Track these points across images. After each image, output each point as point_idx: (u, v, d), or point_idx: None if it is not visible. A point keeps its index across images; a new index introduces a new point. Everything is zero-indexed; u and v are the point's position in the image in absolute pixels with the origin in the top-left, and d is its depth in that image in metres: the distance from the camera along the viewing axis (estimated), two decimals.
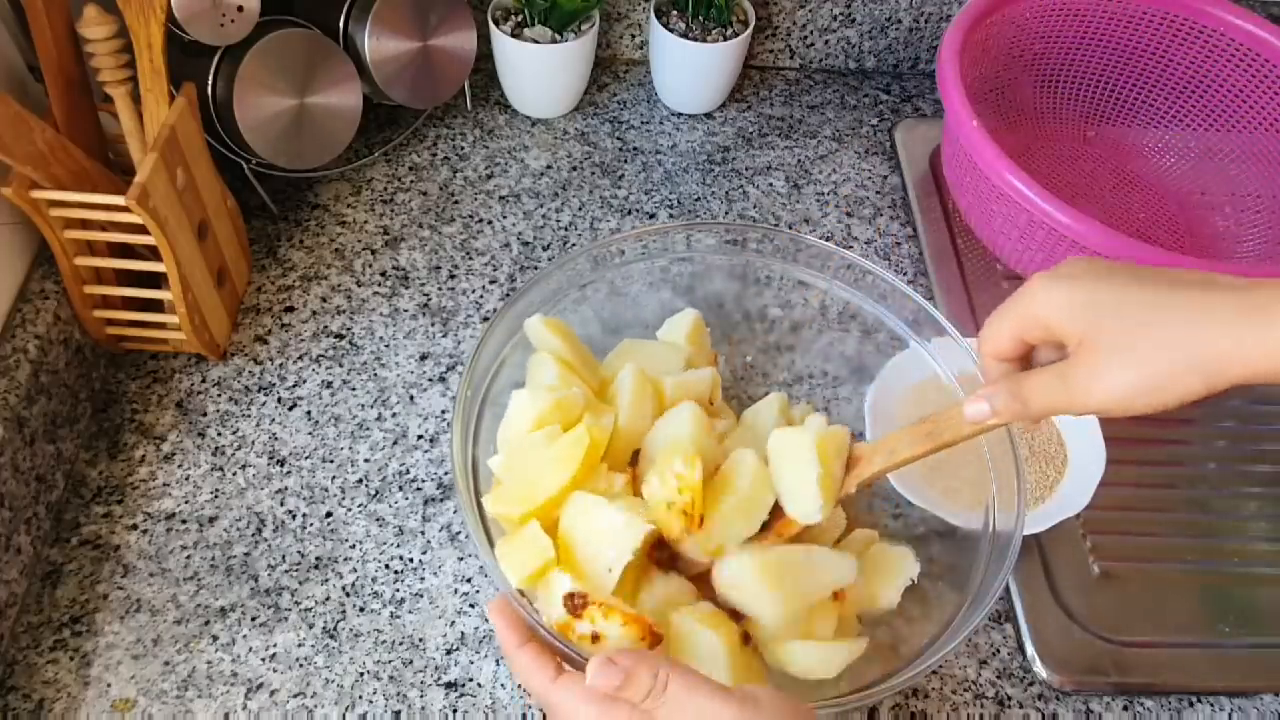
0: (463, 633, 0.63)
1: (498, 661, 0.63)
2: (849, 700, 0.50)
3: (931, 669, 0.52)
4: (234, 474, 0.70)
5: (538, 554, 0.51)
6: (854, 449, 0.57)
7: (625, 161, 0.93)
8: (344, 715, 0.60)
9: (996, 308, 0.47)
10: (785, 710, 0.40)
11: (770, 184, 0.92)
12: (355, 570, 0.66)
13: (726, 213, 0.89)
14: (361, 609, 0.64)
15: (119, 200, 0.62)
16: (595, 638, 0.49)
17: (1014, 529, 0.54)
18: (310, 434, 0.72)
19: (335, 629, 0.63)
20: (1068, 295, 0.44)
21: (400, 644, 0.63)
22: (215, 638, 0.62)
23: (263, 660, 0.62)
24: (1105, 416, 0.44)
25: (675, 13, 0.94)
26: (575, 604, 0.50)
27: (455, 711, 0.61)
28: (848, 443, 0.57)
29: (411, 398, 0.74)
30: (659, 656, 0.43)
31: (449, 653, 0.63)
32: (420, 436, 0.72)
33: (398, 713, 0.60)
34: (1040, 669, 0.64)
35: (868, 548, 0.60)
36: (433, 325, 0.79)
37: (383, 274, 0.82)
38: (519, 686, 0.61)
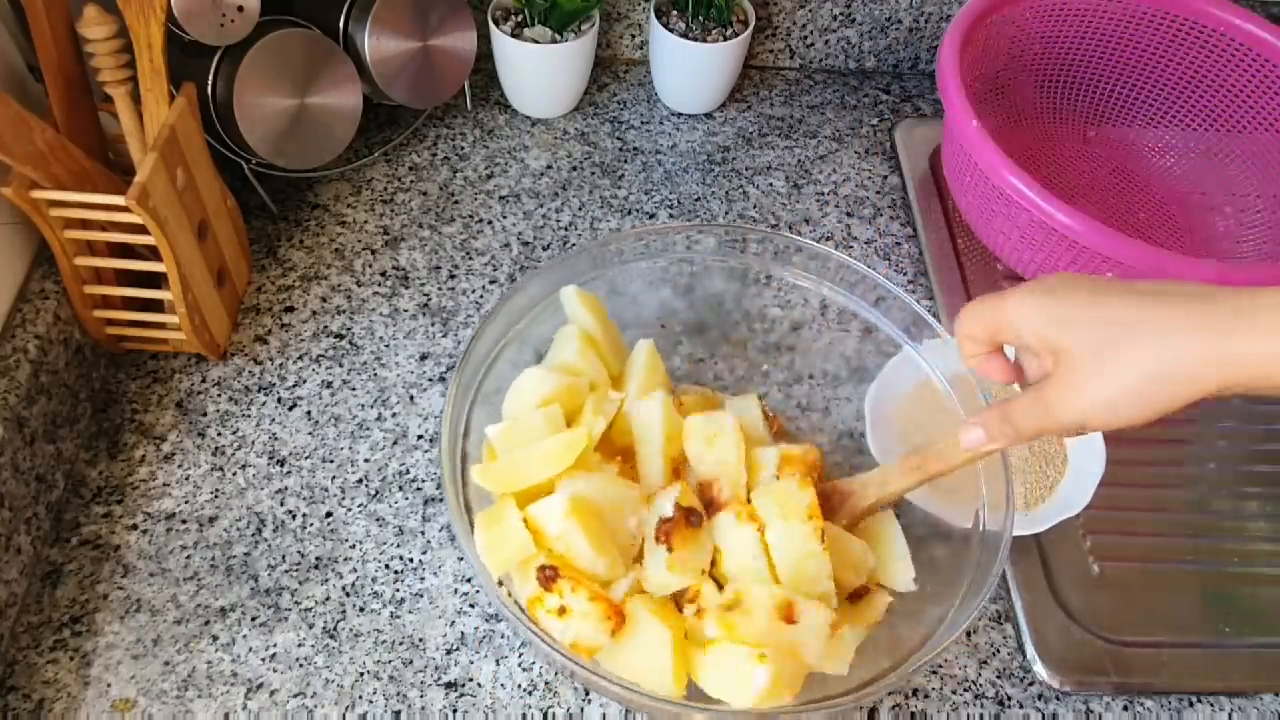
0: (463, 633, 0.64)
1: (498, 661, 0.63)
2: (844, 701, 0.50)
3: (924, 668, 0.52)
4: (234, 474, 0.70)
5: (518, 549, 0.54)
6: (844, 483, 0.58)
7: (625, 161, 0.93)
8: (344, 715, 0.60)
9: (982, 295, 0.48)
10: None
11: (770, 184, 0.92)
12: (355, 570, 0.66)
13: (726, 213, 0.89)
14: (361, 609, 0.64)
15: (119, 200, 0.62)
16: (562, 610, 0.52)
17: (1003, 529, 0.54)
18: (310, 434, 0.72)
19: (335, 629, 0.63)
20: (1039, 308, 0.45)
21: (400, 644, 0.63)
22: (215, 638, 0.62)
23: (263, 660, 0.62)
24: (1092, 432, 0.45)
25: (675, 13, 0.94)
26: (546, 576, 0.53)
27: (455, 711, 0.61)
28: (814, 459, 0.59)
29: (412, 398, 0.74)
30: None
31: (449, 653, 0.63)
32: (420, 436, 0.72)
33: (398, 713, 0.60)
34: (1040, 669, 0.64)
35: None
36: (433, 325, 0.79)
37: (383, 274, 0.82)
38: (519, 686, 0.61)
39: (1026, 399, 0.47)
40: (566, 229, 0.87)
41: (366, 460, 0.71)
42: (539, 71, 0.92)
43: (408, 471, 0.70)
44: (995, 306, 0.47)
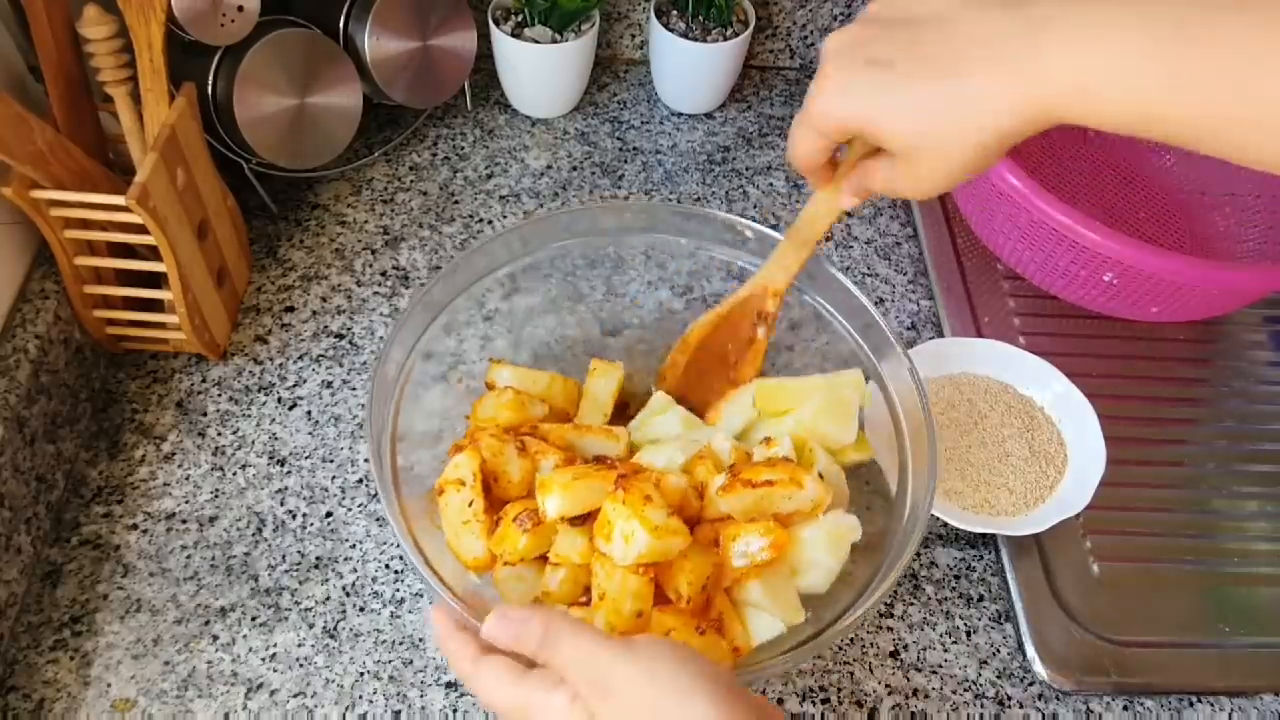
0: None
1: None
2: (772, 664, 0.51)
3: (844, 636, 0.52)
4: (234, 474, 0.70)
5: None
6: (737, 300, 0.63)
7: (625, 161, 0.93)
8: (344, 715, 0.60)
9: (794, 125, 0.50)
10: (665, 651, 0.40)
11: (770, 184, 0.92)
12: (355, 570, 0.66)
13: (727, 213, 0.89)
14: (361, 609, 0.64)
15: (119, 200, 0.62)
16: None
17: (926, 497, 0.55)
18: (310, 434, 0.72)
19: (335, 629, 0.63)
20: (848, 109, 0.45)
21: (400, 644, 0.63)
22: (215, 638, 0.62)
23: (263, 660, 0.62)
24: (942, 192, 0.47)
25: (675, 13, 0.94)
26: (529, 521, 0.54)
27: (455, 711, 0.61)
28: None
29: (416, 396, 0.74)
30: (548, 610, 0.43)
31: None
32: (422, 434, 0.72)
33: (398, 713, 0.60)
34: (1040, 669, 0.64)
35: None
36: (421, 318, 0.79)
37: (383, 274, 0.82)
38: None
39: (881, 171, 0.49)
40: None
41: (367, 460, 0.71)
42: (539, 71, 0.92)
43: (412, 469, 0.70)
44: (814, 129, 0.48)
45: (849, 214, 0.90)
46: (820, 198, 0.56)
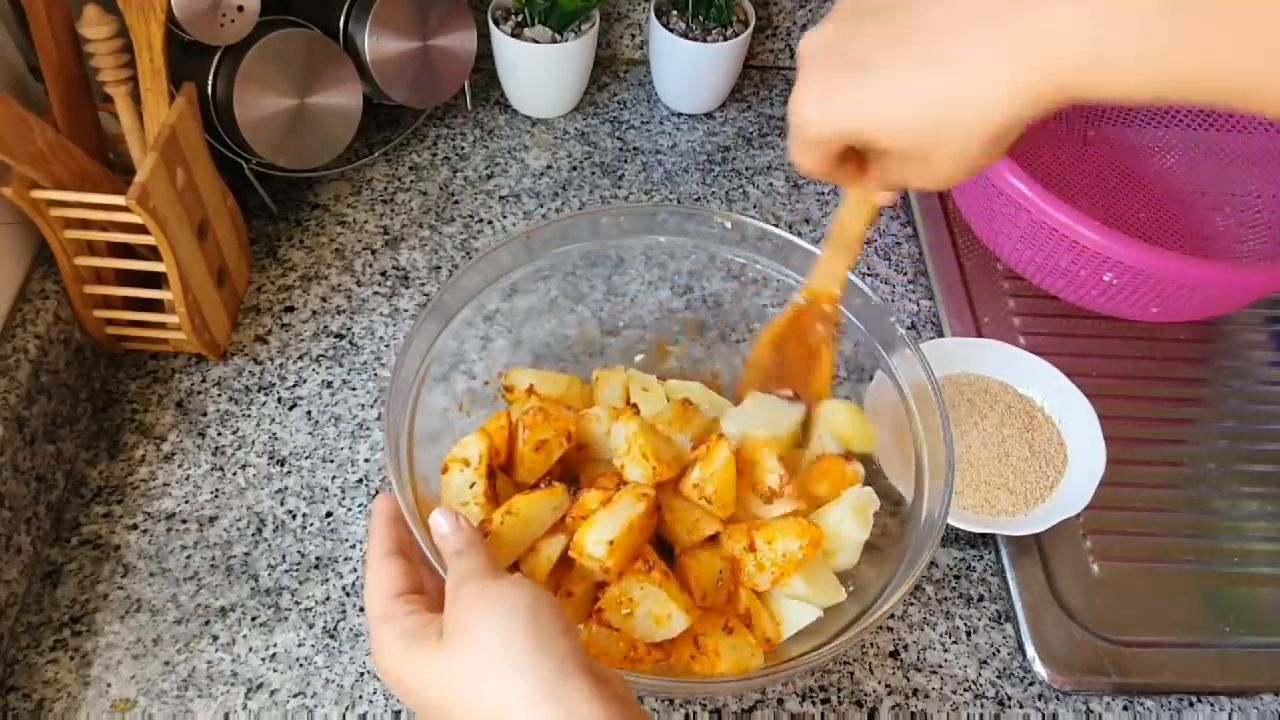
0: None
1: None
2: (778, 672, 0.51)
3: (856, 640, 0.52)
4: (234, 474, 0.70)
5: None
6: (813, 302, 0.60)
7: (625, 161, 0.93)
8: (344, 715, 0.60)
9: (789, 141, 0.45)
10: (529, 593, 0.41)
11: (770, 184, 0.92)
12: (355, 570, 0.66)
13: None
14: (361, 609, 0.64)
15: (119, 200, 0.62)
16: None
17: (941, 506, 0.55)
18: (310, 434, 0.72)
19: (335, 629, 0.63)
20: (836, 121, 0.41)
21: None
22: (215, 638, 0.62)
23: (263, 660, 0.62)
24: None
25: (675, 13, 0.94)
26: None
27: None
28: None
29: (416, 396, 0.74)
30: (481, 537, 0.46)
31: None
32: (423, 434, 0.72)
33: (398, 713, 0.60)
34: (1040, 669, 0.64)
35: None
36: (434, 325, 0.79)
37: (383, 274, 0.82)
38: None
39: (895, 168, 0.44)
40: None
41: (367, 460, 0.71)
42: (539, 71, 0.92)
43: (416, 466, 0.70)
44: (812, 145, 0.44)
45: None
46: (852, 199, 0.52)
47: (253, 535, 0.67)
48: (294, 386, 0.75)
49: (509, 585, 0.41)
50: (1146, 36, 0.34)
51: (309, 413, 0.73)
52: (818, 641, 0.54)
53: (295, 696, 0.60)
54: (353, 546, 0.67)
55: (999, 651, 0.65)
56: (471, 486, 0.55)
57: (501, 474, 0.58)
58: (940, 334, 0.81)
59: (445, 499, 0.56)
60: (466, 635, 0.40)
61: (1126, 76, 0.35)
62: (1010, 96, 0.36)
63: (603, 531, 0.52)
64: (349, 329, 0.78)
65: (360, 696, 0.61)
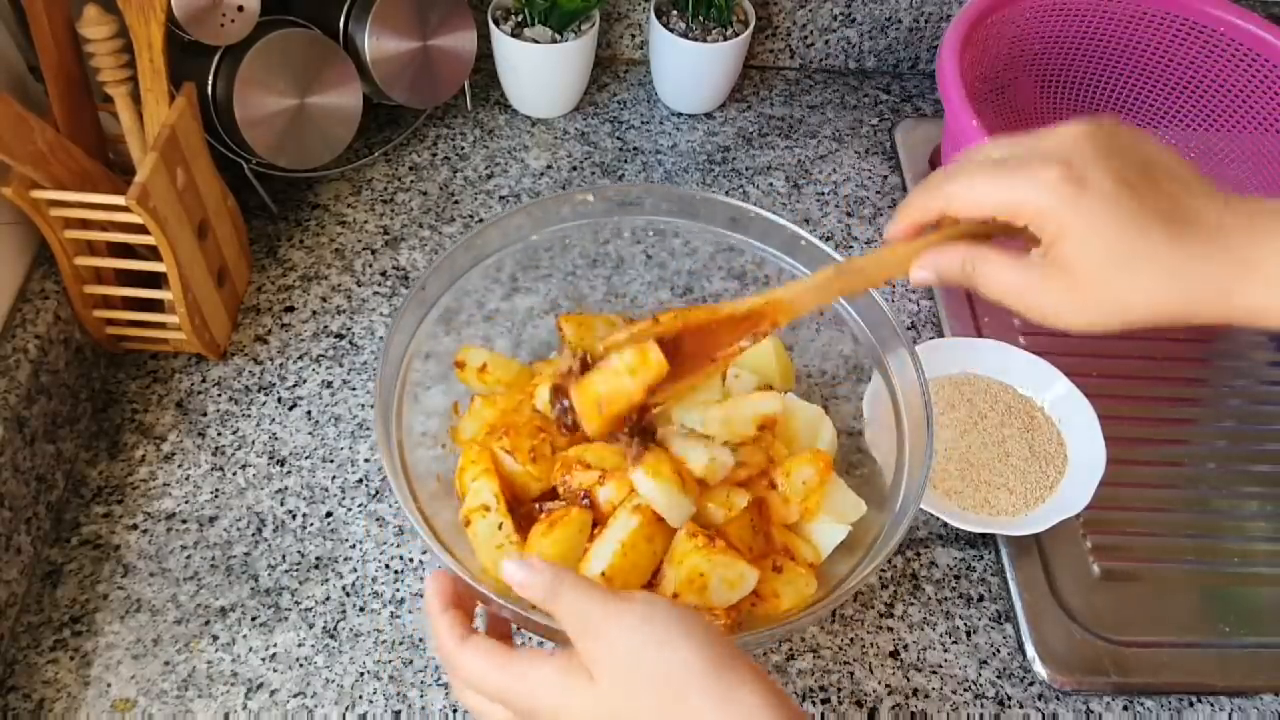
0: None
1: None
2: (774, 630, 0.51)
3: (841, 599, 0.53)
4: (234, 474, 0.70)
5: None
6: (780, 294, 0.54)
7: (625, 161, 0.93)
8: (344, 715, 0.60)
9: (973, 169, 0.45)
10: (660, 606, 0.41)
11: (770, 184, 0.92)
12: (355, 570, 0.66)
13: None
14: (361, 609, 0.64)
15: (119, 200, 0.62)
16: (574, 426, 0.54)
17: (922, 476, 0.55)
18: (310, 434, 0.72)
19: (335, 629, 0.63)
20: (1085, 219, 0.42)
21: (400, 644, 0.63)
22: (215, 638, 0.62)
23: (263, 660, 0.62)
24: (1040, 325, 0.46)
25: (675, 13, 0.94)
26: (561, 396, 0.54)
27: (455, 711, 0.61)
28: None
29: (416, 396, 0.74)
30: (560, 566, 0.44)
31: None
32: (424, 434, 0.72)
33: (398, 713, 0.60)
34: (1040, 669, 0.64)
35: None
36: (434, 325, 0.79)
37: (383, 274, 0.82)
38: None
39: (1014, 270, 0.46)
40: None
41: (367, 460, 0.71)
42: (539, 71, 0.92)
43: (413, 468, 0.70)
44: (1014, 194, 0.44)
45: (849, 214, 0.90)
46: (898, 250, 0.49)
47: (253, 535, 0.67)
48: (294, 386, 0.75)
49: (643, 604, 0.41)
50: None
51: (309, 413, 0.73)
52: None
53: (295, 696, 0.60)
54: (352, 547, 0.67)
55: (999, 651, 0.65)
56: (500, 528, 0.55)
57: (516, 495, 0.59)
58: (940, 334, 0.81)
59: (481, 552, 0.56)
60: (626, 666, 0.39)
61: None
62: (1203, 292, 0.42)
63: (597, 563, 0.53)
64: (349, 329, 0.78)
65: (360, 696, 0.61)
